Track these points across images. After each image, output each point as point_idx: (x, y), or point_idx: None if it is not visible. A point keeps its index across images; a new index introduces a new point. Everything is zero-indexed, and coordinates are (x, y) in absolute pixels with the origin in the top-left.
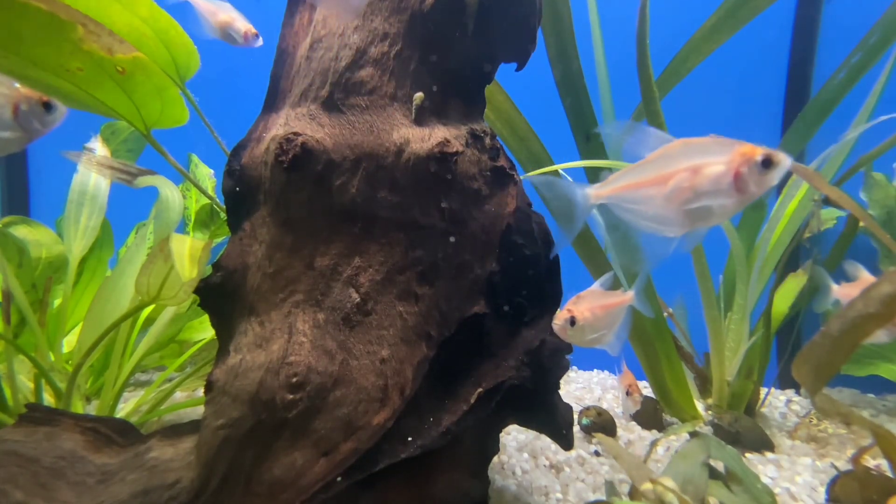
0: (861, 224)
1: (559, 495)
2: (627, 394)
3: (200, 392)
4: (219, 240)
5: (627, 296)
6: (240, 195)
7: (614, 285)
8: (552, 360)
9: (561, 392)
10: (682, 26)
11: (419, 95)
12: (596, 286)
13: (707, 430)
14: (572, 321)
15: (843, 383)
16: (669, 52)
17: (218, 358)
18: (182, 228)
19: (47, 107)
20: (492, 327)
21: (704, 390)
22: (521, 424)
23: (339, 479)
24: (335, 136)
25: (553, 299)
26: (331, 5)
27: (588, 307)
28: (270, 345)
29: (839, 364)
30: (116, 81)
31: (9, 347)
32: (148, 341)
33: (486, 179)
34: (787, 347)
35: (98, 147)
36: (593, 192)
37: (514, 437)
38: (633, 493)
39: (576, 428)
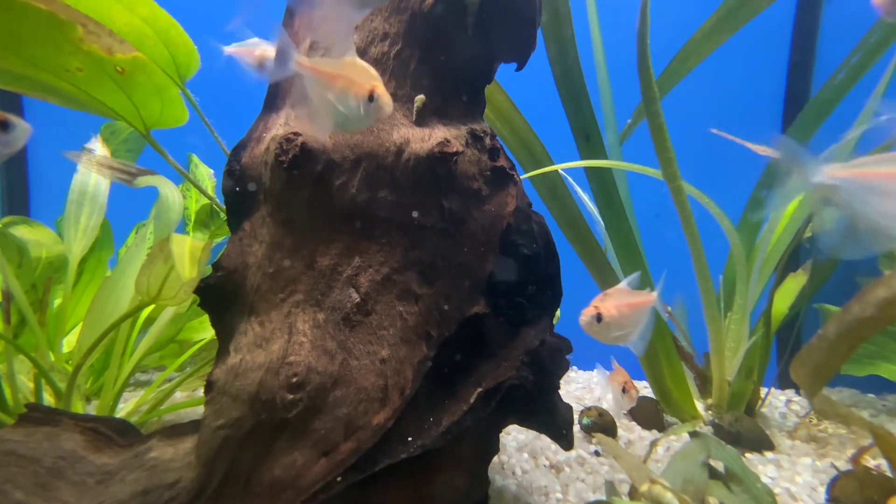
0: None
1: (559, 495)
2: (623, 391)
3: (200, 392)
4: (219, 240)
5: (652, 296)
6: (240, 195)
7: (641, 285)
8: (552, 360)
9: (561, 392)
10: (682, 26)
11: (420, 98)
12: (623, 285)
13: (707, 430)
14: (598, 318)
15: (843, 383)
16: (669, 52)
17: (218, 358)
18: (182, 228)
19: (3, 126)
20: (492, 327)
21: (704, 390)
22: (521, 424)
23: (339, 479)
24: (335, 135)
25: (553, 299)
26: (324, 37)
27: (614, 304)
28: (270, 345)
29: (836, 367)
30: (116, 81)
31: (9, 347)
32: (148, 341)
33: (486, 179)
34: (787, 347)
35: (98, 147)
36: (828, 171)
37: (514, 437)
38: (633, 493)
39: (576, 428)
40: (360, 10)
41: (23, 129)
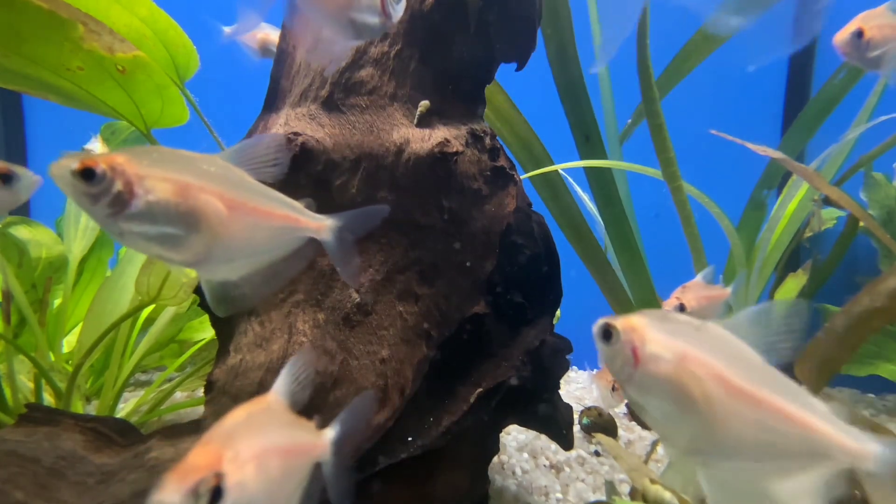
0: (861, 224)
1: (559, 495)
2: (613, 389)
3: (200, 392)
4: None
5: (726, 291)
6: None
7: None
8: (552, 359)
9: (561, 392)
10: (682, 26)
11: (424, 104)
12: (698, 279)
13: None
14: (681, 307)
15: (843, 383)
16: (669, 52)
17: (218, 358)
18: None
19: (6, 178)
20: (492, 327)
21: None
22: (521, 424)
23: None
24: (335, 135)
25: (553, 299)
26: (317, 55)
27: (694, 297)
28: (270, 345)
29: (843, 360)
30: (117, 80)
31: (9, 347)
32: (148, 341)
33: (486, 179)
34: None
35: (98, 147)
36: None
37: (514, 437)
38: (634, 493)
39: (576, 428)
40: (356, 39)
41: (29, 180)
